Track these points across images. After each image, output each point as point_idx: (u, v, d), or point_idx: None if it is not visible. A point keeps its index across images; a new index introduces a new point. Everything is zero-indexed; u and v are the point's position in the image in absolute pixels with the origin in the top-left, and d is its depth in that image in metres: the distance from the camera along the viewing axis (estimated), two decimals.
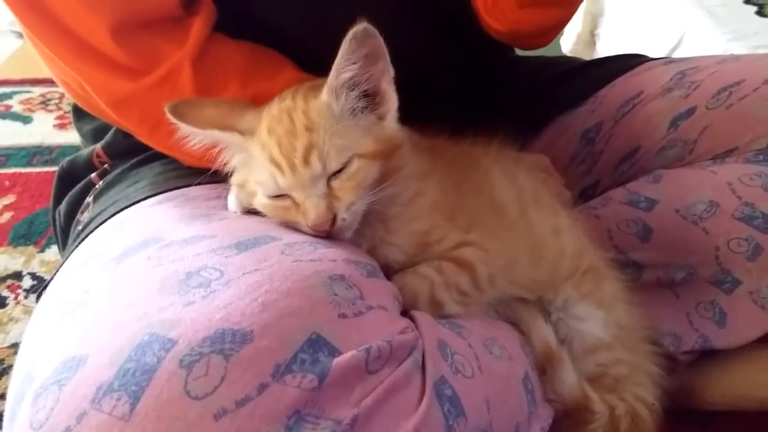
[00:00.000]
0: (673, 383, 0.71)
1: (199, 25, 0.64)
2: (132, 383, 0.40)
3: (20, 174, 1.46)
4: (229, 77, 0.65)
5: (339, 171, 0.54)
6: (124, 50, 0.61)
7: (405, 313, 0.55)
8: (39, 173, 1.46)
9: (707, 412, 0.77)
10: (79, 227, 0.71)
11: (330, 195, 0.54)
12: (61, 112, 1.71)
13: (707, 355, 0.76)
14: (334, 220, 0.54)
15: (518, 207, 0.68)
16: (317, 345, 0.43)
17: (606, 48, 1.71)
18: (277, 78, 0.65)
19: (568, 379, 0.62)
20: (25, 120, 1.69)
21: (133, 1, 0.61)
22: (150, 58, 0.62)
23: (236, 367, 0.40)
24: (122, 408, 0.39)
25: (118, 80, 0.62)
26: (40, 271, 1.18)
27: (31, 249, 1.23)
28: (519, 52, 1.07)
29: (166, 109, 0.56)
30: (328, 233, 0.55)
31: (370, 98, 0.56)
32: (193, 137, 0.58)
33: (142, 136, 0.69)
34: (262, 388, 0.40)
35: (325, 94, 0.55)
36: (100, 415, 0.39)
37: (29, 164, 1.50)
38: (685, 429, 0.75)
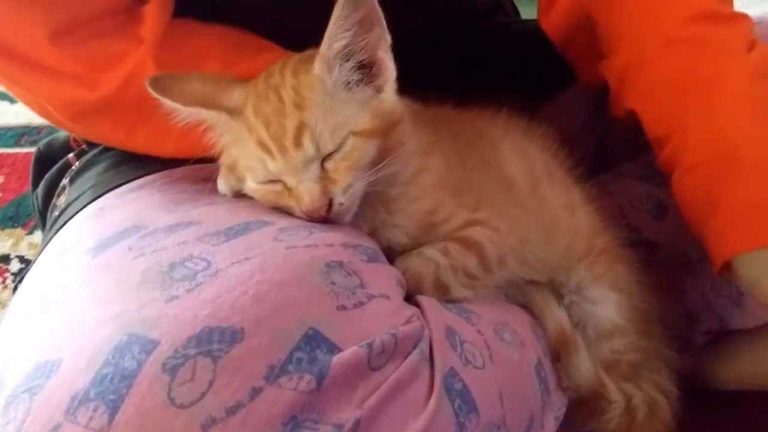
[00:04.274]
0: (689, 364, 0.69)
1: (153, 14, 0.58)
2: (110, 391, 0.37)
3: (8, 155, 1.44)
4: (204, 63, 0.60)
5: (333, 151, 0.50)
6: (69, 57, 0.56)
7: (409, 298, 0.52)
8: (27, 154, 1.44)
9: (722, 392, 0.75)
10: (56, 213, 0.67)
11: (325, 178, 0.51)
12: None
13: (723, 335, 0.74)
14: (330, 204, 0.51)
15: (529, 181, 0.65)
16: (314, 341, 0.41)
17: None
18: (259, 58, 0.60)
19: (584, 366, 0.59)
20: (12, 100, 1.65)
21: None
22: (102, 61, 0.57)
23: (225, 370, 0.38)
24: (99, 419, 0.36)
25: (76, 91, 0.57)
26: (29, 254, 1.16)
27: (19, 231, 1.21)
28: (525, 16, 1.02)
29: (146, 83, 0.51)
30: (325, 219, 0.51)
31: (366, 69, 0.52)
32: (177, 114, 0.53)
33: (118, 143, 0.64)
34: (255, 392, 0.38)
35: (317, 67, 0.51)
36: (76, 428, 0.37)
37: (17, 145, 1.48)
38: (699, 411, 0.73)
